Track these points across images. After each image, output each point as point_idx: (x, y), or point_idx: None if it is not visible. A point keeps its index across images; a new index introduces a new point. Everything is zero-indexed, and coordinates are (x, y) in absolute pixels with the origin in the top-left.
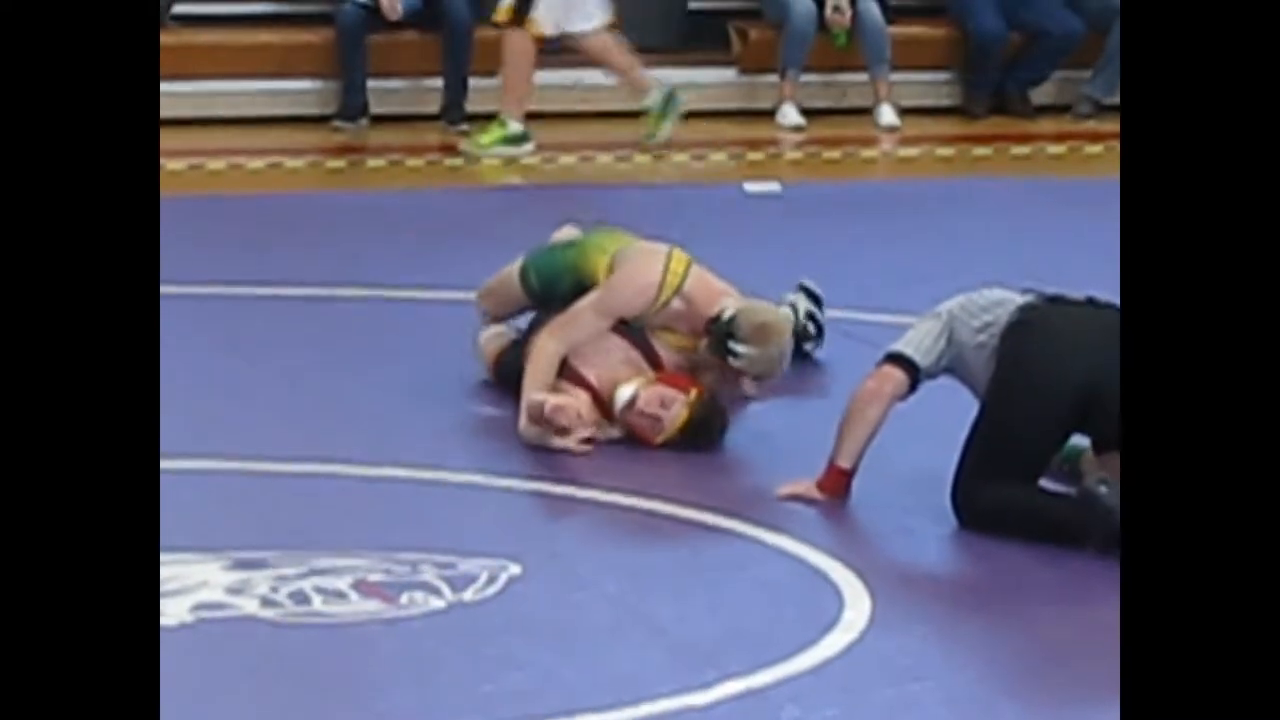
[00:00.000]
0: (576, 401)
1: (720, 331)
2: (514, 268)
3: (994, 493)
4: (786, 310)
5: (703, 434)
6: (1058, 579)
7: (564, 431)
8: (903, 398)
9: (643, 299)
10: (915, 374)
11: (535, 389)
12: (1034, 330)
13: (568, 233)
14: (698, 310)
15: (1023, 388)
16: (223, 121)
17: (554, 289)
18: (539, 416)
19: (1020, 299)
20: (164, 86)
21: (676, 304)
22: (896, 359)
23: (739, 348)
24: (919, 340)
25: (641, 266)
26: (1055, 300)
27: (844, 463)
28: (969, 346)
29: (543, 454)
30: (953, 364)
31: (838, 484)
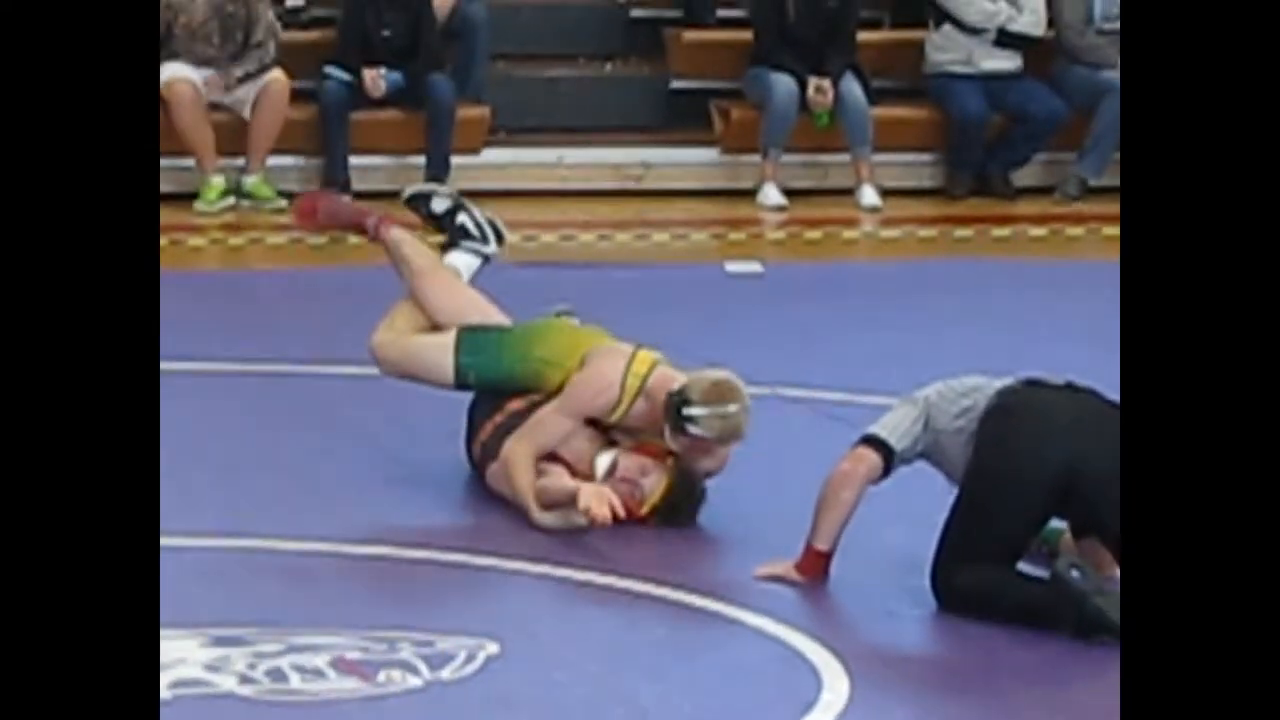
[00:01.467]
0: (589, 486)
1: (675, 404)
2: (446, 357)
3: (971, 575)
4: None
5: (683, 502)
6: (1035, 661)
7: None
8: (876, 481)
9: (604, 400)
10: (890, 457)
11: (532, 504)
12: (1013, 415)
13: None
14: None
15: (1001, 471)
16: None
17: (496, 393)
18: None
19: (999, 384)
20: None
21: (640, 404)
22: (871, 441)
23: (694, 411)
24: (895, 424)
25: (603, 367)
26: (1034, 384)
27: (821, 545)
28: (947, 432)
29: (521, 533)
30: (929, 450)
31: (816, 566)
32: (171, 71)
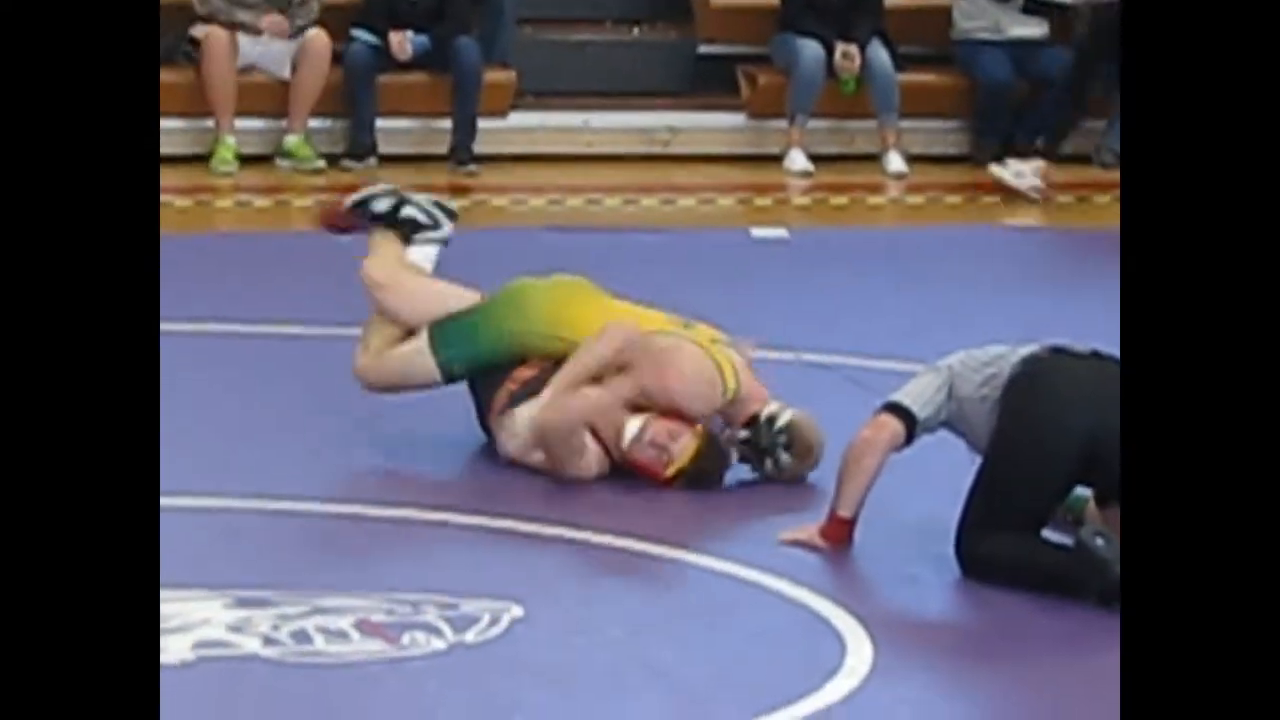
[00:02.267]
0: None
1: (769, 436)
2: (426, 359)
3: (995, 543)
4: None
5: (709, 467)
6: (1059, 628)
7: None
8: (899, 448)
9: (712, 397)
10: (912, 425)
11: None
12: (1038, 382)
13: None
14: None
15: (1026, 439)
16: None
17: (491, 370)
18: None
19: (1023, 351)
20: (171, 123)
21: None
22: (893, 409)
23: (785, 457)
24: (918, 392)
25: (690, 366)
26: (1059, 352)
27: (844, 512)
28: (971, 399)
29: (546, 496)
30: (952, 418)
31: (840, 532)
32: (209, 28)
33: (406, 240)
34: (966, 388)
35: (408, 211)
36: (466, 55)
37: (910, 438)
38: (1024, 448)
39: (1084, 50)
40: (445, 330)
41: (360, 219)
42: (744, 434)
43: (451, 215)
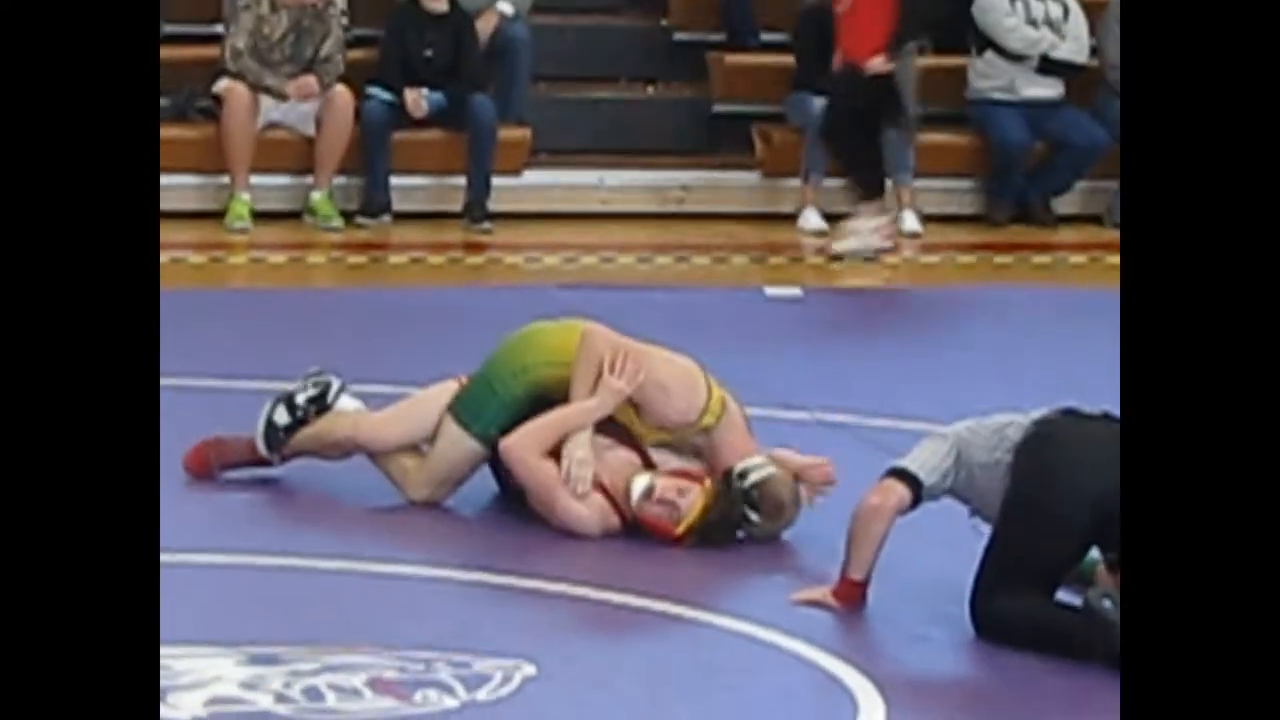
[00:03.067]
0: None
1: (738, 493)
2: (463, 441)
3: (1007, 603)
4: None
5: (720, 522)
6: (1070, 689)
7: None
8: (904, 512)
9: (695, 401)
10: (918, 490)
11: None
12: (1050, 445)
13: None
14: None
15: (1039, 502)
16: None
17: (523, 416)
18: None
19: (1035, 414)
20: (187, 179)
21: (722, 429)
22: (899, 474)
23: (754, 516)
24: (924, 458)
25: (682, 377)
26: (1071, 414)
27: (856, 575)
28: (984, 465)
29: (559, 553)
30: (959, 487)
31: (852, 594)
32: (231, 83)
33: (326, 410)
34: (978, 454)
35: (300, 400)
36: (482, 113)
37: (915, 503)
38: (1037, 510)
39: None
40: (464, 404)
41: (276, 439)
42: (716, 483)
43: (327, 384)
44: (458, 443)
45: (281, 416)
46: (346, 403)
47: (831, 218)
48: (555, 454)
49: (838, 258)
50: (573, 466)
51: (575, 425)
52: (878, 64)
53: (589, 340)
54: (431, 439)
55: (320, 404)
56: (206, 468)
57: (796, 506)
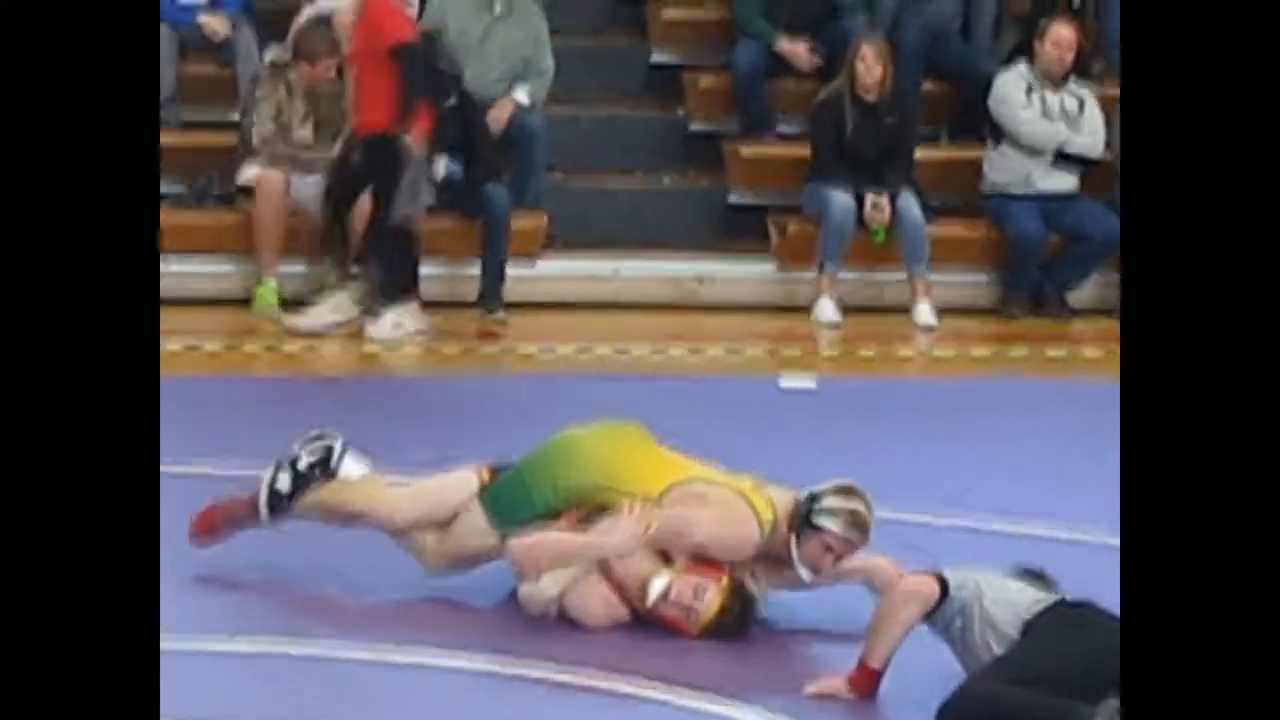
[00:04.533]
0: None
1: (804, 507)
2: (480, 537)
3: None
4: None
5: (736, 620)
6: None
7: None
8: (927, 615)
9: (749, 539)
10: (944, 595)
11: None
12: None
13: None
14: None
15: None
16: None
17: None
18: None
19: (1037, 608)
20: (201, 266)
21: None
22: (936, 577)
23: (827, 504)
24: (952, 575)
25: (727, 512)
26: (1076, 607)
27: (875, 663)
28: (983, 647)
29: (570, 642)
30: (954, 637)
31: (868, 683)
32: (257, 170)
33: (332, 477)
34: (977, 641)
35: (303, 465)
36: (497, 201)
37: (935, 609)
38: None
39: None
40: (498, 500)
41: (281, 506)
42: (785, 530)
43: (329, 448)
44: (483, 536)
45: (284, 483)
46: (351, 466)
47: (846, 309)
48: None
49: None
50: (536, 594)
51: (584, 558)
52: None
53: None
54: (449, 522)
55: (324, 468)
56: (213, 530)
57: (862, 493)
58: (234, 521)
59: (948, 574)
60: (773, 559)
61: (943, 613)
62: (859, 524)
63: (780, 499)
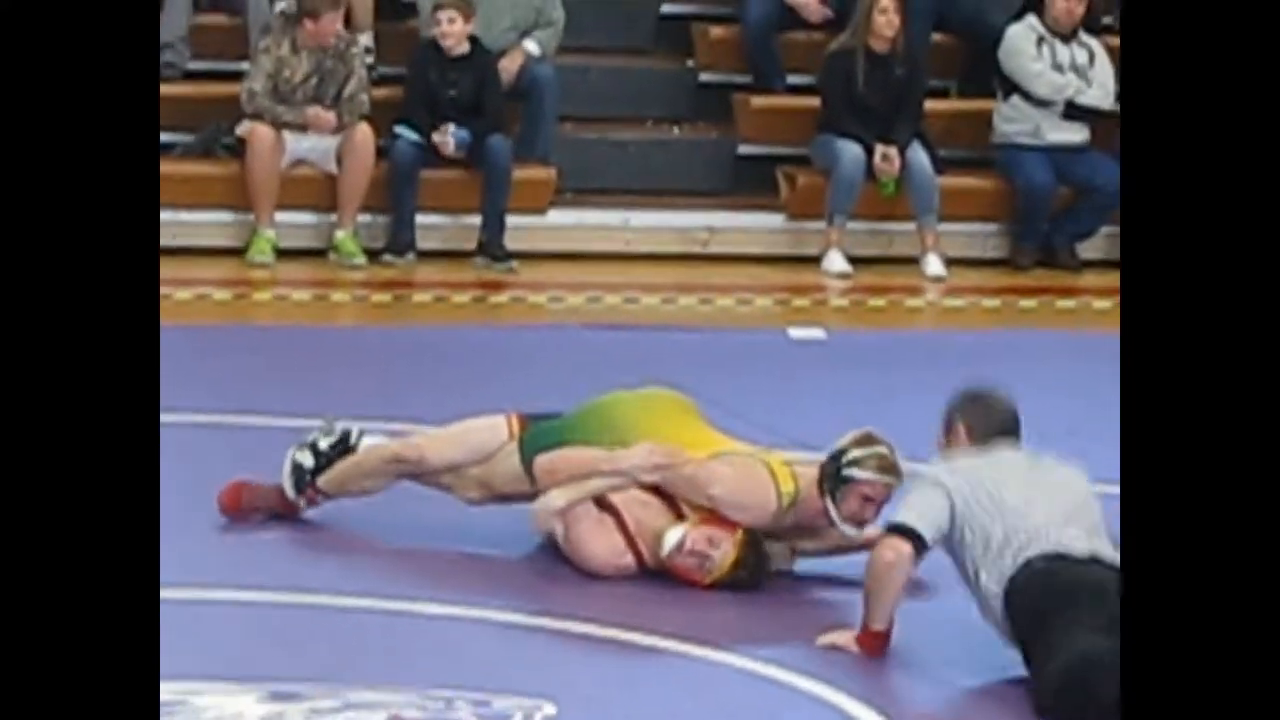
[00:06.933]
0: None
1: (832, 465)
2: (515, 473)
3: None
4: None
5: (749, 573)
6: None
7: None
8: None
9: (767, 506)
10: (920, 545)
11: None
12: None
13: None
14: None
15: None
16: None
17: None
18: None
19: (1029, 553)
20: (213, 215)
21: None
22: (903, 531)
23: (853, 454)
24: (921, 510)
25: (750, 485)
26: (1060, 559)
27: (878, 626)
28: (986, 587)
29: (581, 593)
30: (955, 546)
31: (875, 643)
32: (252, 124)
33: (351, 451)
34: (976, 562)
35: (323, 446)
36: (497, 153)
37: (919, 554)
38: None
39: None
40: (535, 436)
41: (304, 481)
42: (816, 489)
43: (345, 433)
44: (518, 482)
45: (307, 459)
46: (370, 444)
47: (856, 261)
48: (600, 501)
49: None
50: (544, 505)
51: (600, 474)
52: None
53: (642, 455)
54: (486, 460)
55: (344, 446)
56: (239, 508)
57: (882, 437)
58: (259, 502)
59: (915, 519)
60: (806, 529)
61: (931, 544)
62: (888, 467)
63: (806, 472)
